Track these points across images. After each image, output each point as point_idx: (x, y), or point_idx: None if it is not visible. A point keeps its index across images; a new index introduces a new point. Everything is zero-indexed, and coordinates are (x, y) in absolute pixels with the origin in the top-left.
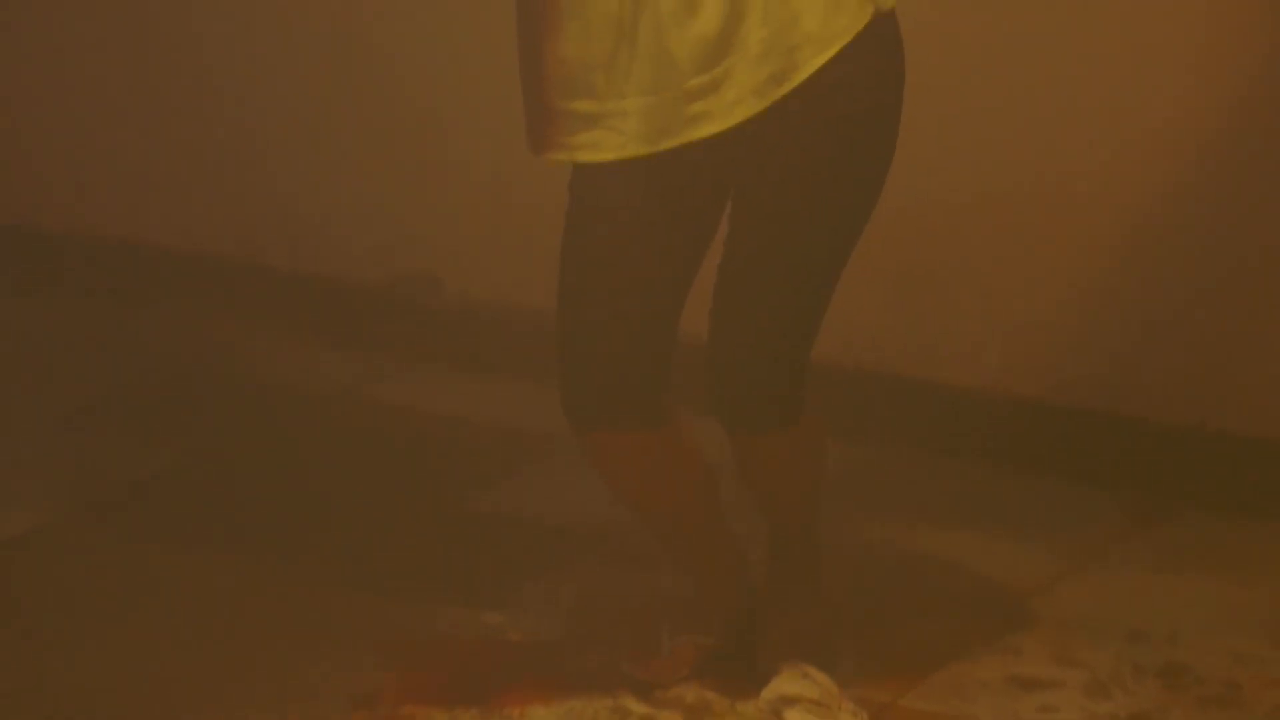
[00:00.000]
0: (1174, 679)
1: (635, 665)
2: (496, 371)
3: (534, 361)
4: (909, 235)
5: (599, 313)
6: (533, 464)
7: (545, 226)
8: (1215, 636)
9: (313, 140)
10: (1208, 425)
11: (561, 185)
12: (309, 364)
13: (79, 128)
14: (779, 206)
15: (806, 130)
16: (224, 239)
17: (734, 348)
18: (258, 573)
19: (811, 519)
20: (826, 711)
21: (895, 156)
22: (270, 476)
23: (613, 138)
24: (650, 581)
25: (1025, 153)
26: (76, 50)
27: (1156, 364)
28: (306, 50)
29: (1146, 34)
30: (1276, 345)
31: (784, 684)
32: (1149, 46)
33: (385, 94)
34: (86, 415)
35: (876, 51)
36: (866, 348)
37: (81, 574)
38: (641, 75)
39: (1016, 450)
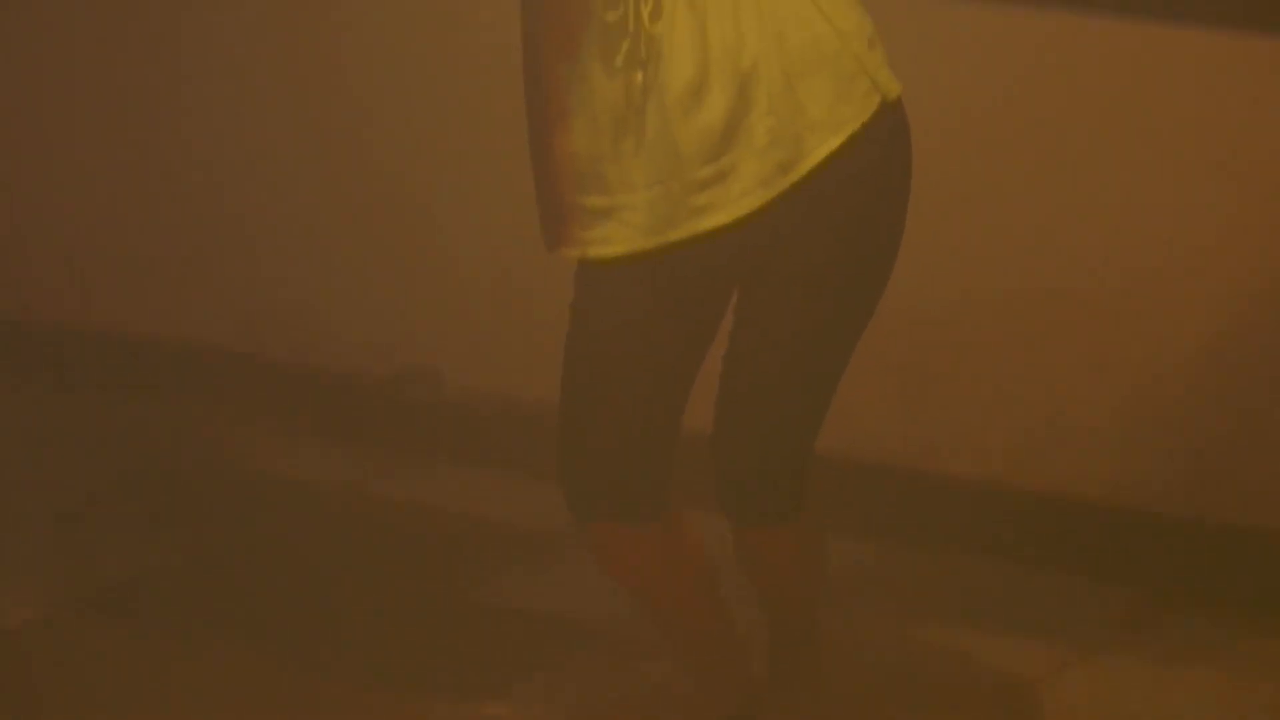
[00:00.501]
0: None
1: None
2: (498, 466)
3: (536, 456)
4: (911, 328)
5: (603, 405)
6: (533, 558)
7: (547, 320)
8: None
9: (313, 234)
10: (1208, 520)
11: (564, 278)
12: (309, 459)
13: (76, 219)
14: (786, 297)
15: (814, 220)
16: (223, 332)
17: (740, 439)
18: (257, 667)
19: (813, 612)
20: None
21: (900, 250)
22: (270, 572)
23: (622, 231)
24: (651, 675)
25: (1029, 249)
26: (74, 141)
27: (1158, 459)
28: (307, 143)
29: (1156, 138)
30: (1276, 440)
31: None
32: (1155, 153)
33: (386, 188)
34: (84, 509)
35: (884, 141)
36: (868, 441)
37: (80, 669)
38: (649, 167)
39: (1018, 544)
